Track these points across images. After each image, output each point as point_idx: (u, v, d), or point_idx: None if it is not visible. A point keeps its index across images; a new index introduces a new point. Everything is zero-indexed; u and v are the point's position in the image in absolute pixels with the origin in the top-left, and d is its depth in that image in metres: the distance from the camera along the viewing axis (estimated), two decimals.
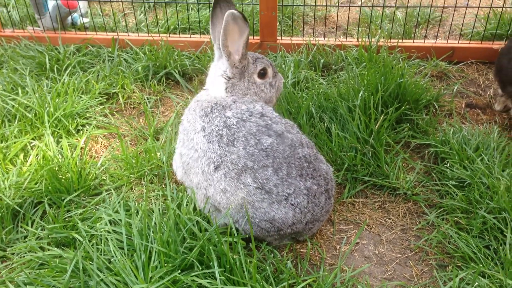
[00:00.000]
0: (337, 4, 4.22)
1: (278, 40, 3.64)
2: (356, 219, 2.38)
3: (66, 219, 2.20)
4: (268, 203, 1.98)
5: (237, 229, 2.06)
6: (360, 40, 3.53)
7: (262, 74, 2.34)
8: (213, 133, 2.05)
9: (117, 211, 2.09)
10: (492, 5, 3.61)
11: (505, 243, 2.10)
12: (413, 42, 3.59)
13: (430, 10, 3.93)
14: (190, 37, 3.74)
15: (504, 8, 3.63)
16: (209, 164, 2.02)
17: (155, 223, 1.96)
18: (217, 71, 2.29)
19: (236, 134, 2.02)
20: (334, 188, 2.22)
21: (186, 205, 2.12)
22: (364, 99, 2.79)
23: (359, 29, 3.93)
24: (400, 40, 3.59)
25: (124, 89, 3.24)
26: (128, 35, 3.76)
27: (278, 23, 3.71)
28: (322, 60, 3.40)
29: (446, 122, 2.97)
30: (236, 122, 2.05)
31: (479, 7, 3.63)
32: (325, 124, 2.77)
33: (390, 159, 2.64)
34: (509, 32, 3.55)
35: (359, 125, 2.68)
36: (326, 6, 4.04)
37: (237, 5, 2.86)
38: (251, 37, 3.64)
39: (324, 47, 3.54)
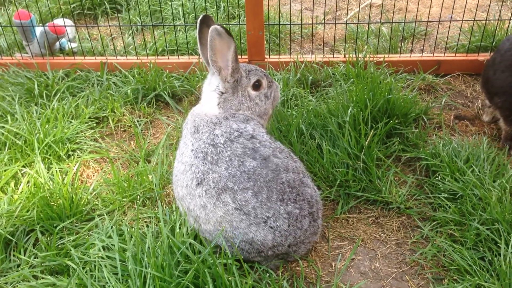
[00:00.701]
0: (323, 22, 4.26)
1: (266, 58, 3.67)
2: (350, 235, 2.38)
3: (59, 246, 2.18)
4: (246, 224, 1.99)
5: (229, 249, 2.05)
6: (347, 56, 3.57)
7: (257, 86, 2.34)
8: (200, 149, 2.09)
9: (110, 236, 2.08)
10: (476, 18, 3.67)
11: (499, 254, 2.11)
12: (400, 56, 3.64)
13: (415, 25, 3.99)
14: (179, 58, 3.76)
15: (487, 21, 3.69)
16: (193, 179, 2.06)
17: (148, 248, 1.95)
18: (210, 86, 2.31)
19: (221, 154, 2.04)
20: (321, 210, 2.23)
21: (179, 227, 2.11)
22: (354, 114, 2.81)
23: (346, 45, 3.97)
24: (386, 55, 3.63)
25: (114, 112, 3.24)
26: (117, 59, 3.77)
27: (265, 42, 3.74)
28: (310, 77, 3.43)
29: (436, 135, 2.99)
30: (224, 142, 2.07)
31: (462, 20, 3.69)
32: (316, 141, 2.78)
33: (382, 174, 2.65)
34: (493, 43, 3.60)
35: (350, 141, 2.69)
36: (313, 24, 4.08)
37: (224, 25, 2.89)
38: (239, 56, 3.67)
39: (312, 64, 3.57)
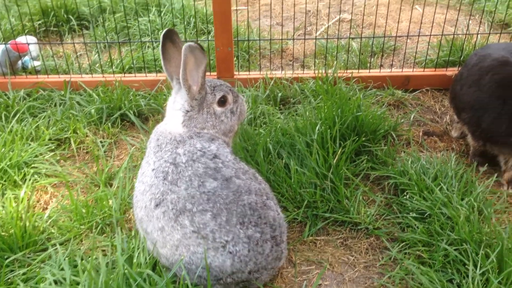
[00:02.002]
0: (293, 37, 4.23)
1: (235, 75, 3.62)
2: (318, 259, 2.31)
3: (9, 280, 2.05)
4: (204, 248, 1.90)
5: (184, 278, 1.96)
6: (316, 72, 3.52)
7: (222, 101, 2.26)
8: (160, 168, 2.01)
9: (62, 269, 1.97)
10: (444, 33, 3.67)
11: (467, 276, 2.06)
12: (369, 72, 3.62)
13: (384, 40, 3.98)
14: (146, 76, 3.67)
15: (455, 35, 3.70)
16: (151, 200, 1.98)
17: (102, 281, 1.84)
18: (175, 105, 2.23)
19: (181, 173, 1.97)
20: (285, 234, 2.14)
21: (138, 255, 2.02)
22: (322, 132, 2.76)
23: (316, 60, 3.94)
24: (356, 71, 3.60)
25: (77, 133, 3.13)
26: (82, 77, 3.67)
27: (235, 58, 3.69)
28: (279, 94, 3.38)
29: (405, 152, 2.96)
30: (185, 161, 2.00)
31: (430, 35, 3.69)
32: (284, 160, 2.72)
33: (350, 193, 2.59)
34: (461, 58, 3.60)
35: (318, 159, 2.63)
36: (282, 39, 4.04)
37: (193, 41, 2.84)
38: (208, 73, 3.61)
39: (282, 80, 3.52)
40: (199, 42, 3.91)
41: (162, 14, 4.47)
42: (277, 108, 3.30)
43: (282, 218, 2.15)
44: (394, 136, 3.07)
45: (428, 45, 3.79)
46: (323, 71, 3.49)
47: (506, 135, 2.56)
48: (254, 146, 2.78)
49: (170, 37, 2.22)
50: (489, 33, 3.70)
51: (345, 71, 3.58)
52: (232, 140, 2.40)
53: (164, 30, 2.22)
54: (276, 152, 2.78)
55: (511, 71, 2.57)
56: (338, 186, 2.55)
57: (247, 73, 3.66)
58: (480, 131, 2.70)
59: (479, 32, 3.69)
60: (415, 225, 2.37)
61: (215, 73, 3.63)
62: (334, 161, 2.62)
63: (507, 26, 4.33)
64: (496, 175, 2.78)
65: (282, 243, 2.10)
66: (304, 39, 3.84)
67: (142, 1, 4.71)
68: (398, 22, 3.97)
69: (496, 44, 3.06)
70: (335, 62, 3.68)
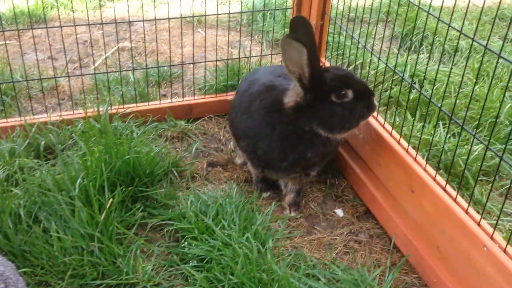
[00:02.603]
0: (67, 74, 3.79)
1: None
2: None
3: None
4: None
5: None
6: (87, 111, 3.15)
7: None
8: None
9: None
10: (222, 58, 3.62)
11: None
12: (149, 104, 3.37)
13: (171, 69, 3.78)
14: None
15: (229, 60, 3.67)
16: None
17: None
18: None
19: None
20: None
21: None
22: (85, 185, 2.41)
23: (90, 97, 3.57)
24: (134, 105, 3.32)
25: None
26: None
27: None
28: (43, 143, 2.92)
29: (189, 188, 2.77)
30: None
31: (216, 60, 3.60)
32: (42, 225, 2.31)
33: (124, 250, 2.29)
34: (239, 82, 3.56)
35: (82, 218, 2.28)
36: (55, 77, 3.56)
37: None
38: None
39: (47, 125, 3.07)
40: None
41: None
42: (41, 160, 2.83)
43: (13, 267, 1.77)
44: (176, 173, 2.86)
45: (205, 70, 3.70)
46: (94, 109, 3.13)
47: (279, 160, 2.52)
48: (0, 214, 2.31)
49: None
50: (261, 56, 3.74)
51: (122, 107, 3.28)
52: None
53: None
54: (34, 214, 2.36)
55: (276, 96, 2.53)
56: (108, 245, 2.23)
57: (5, 120, 3.12)
58: (257, 158, 2.63)
59: (251, 56, 3.70)
60: (193, 276, 2.16)
61: None
62: (102, 217, 2.30)
63: None
64: (277, 199, 2.74)
65: None
66: (81, 75, 3.42)
67: None
68: (182, 47, 3.80)
69: (264, 68, 3.06)
70: (108, 98, 3.34)
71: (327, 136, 2.40)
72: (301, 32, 2.40)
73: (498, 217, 1.97)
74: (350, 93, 2.32)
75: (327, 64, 3.35)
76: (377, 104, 2.42)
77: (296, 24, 2.44)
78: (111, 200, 2.39)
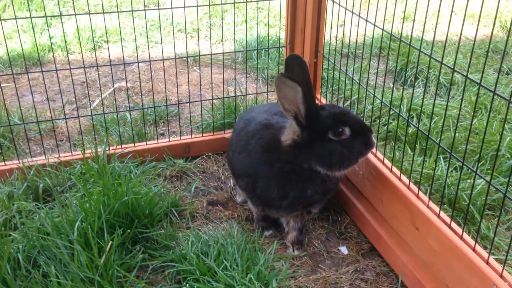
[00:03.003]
0: (65, 115, 3.79)
1: None
2: None
3: None
4: None
5: None
6: (86, 152, 3.14)
7: None
8: None
9: None
10: (218, 96, 3.64)
11: None
12: (146, 144, 3.36)
13: (167, 108, 3.79)
14: None
15: (227, 97, 3.69)
16: None
17: None
18: None
19: None
20: None
21: None
22: (84, 228, 2.37)
23: (88, 138, 3.56)
24: (132, 145, 3.32)
25: None
26: None
27: None
28: (41, 185, 2.89)
29: (189, 228, 2.73)
30: None
31: (212, 99, 3.61)
32: (41, 270, 2.25)
33: None
34: (236, 120, 3.58)
35: (82, 262, 2.23)
36: (53, 120, 3.57)
37: None
38: None
39: (45, 168, 3.04)
40: None
41: None
42: (40, 203, 2.80)
43: None
44: (176, 213, 2.83)
45: (201, 109, 3.71)
46: (92, 150, 3.12)
47: (279, 199, 2.50)
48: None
49: None
50: (257, 93, 3.77)
51: (120, 147, 3.27)
52: None
53: None
54: (33, 259, 2.31)
55: (273, 134, 2.53)
56: None
57: (3, 163, 3.10)
58: (257, 197, 2.60)
59: (247, 93, 3.73)
60: None
61: None
62: (102, 260, 2.25)
63: None
64: (280, 238, 2.71)
65: None
66: (78, 116, 3.43)
67: None
68: (177, 86, 3.83)
69: (260, 106, 3.07)
70: (105, 139, 3.33)
71: (326, 173, 2.39)
72: (296, 70, 2.42)
73: (507, 253, 1.94)
74: (347, 130, 2.32)
75: (323, 101, 3.38)
76: (375, 141, 2.41)
77: (291, 62, 2.46)
78: (110, 242, 2.35)
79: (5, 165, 3.10)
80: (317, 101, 2.68)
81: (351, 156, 2.35)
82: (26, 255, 2.32)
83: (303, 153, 2.38)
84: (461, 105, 2.19)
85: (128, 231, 2.47)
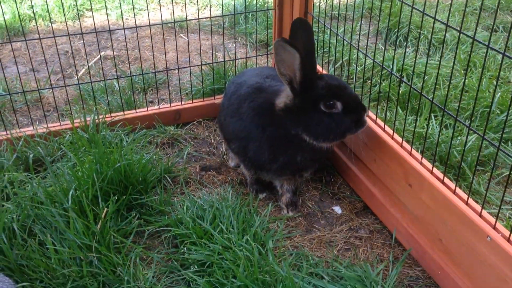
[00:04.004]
0: (51, 85, 3.72)
1: None
2: None
3: None
4: None
5: None
6: (74, 122, 3.09)
7: None
8: None
9: None
10: (207, 61, 3.58)
11: None
12: (136, 112, 3.32)
13: (156, 76, 3.73)
14: None
15: (214, 63, 3.64)
16: None
17: None
18: None
19: None
20: None
21: None
22: (78, 196, 2.36)
23: (76, 107, 3.51)
24: (121, 113, 3.28)
25: None
26: None
27: None
28: (31, 155, 2.86)
29: (184, 193, 2.73)
30: None
31: (201, 64, 3.56)
32: (37, 238, 2.25)
33: (123, 259, 2.24)
34: (226, 84, 3.54)
35: (78, 229, 2.23)
36: (39, 90, 3.48)
37: None
38: None
39: (34, 138, 3.00)
40: None
41: None
42: (31, 173, 2.77)
43: None
44: (169, 179, 2.82)
45: (191, 75, 3.66)
46: (81, 120, 3.07)
47: (270, 162, 2.50)
48: None
49: None
50: (246, 57, 3.71)
51: (110, 115, 3.23)
52: None
53: None
54: (28, 228, 2.30)
55: (266, 98, 2.52)
56: (106, 255, 2.18)
57: None
58: (248, 160, 2.60)
59: (236, 58, 3.68)
60: (195, 281, 2.13)
61: None
62: (98, 227, 2.25)
63: (268, 46, 4.48)
64: (274, 200, 2.72)
65: None
66: (65, 85, 3.36)
67: None
68: (165, 53, 3.75)
69: (251, 70, 3.04)
70: (94, 108, 3.28)
71: (313, 143, 2.39)
72: (300, 35, 2.37)
73: (500, 206, 1.96)
74: (339, 105, 2.30)
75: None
76: (367, 120, 2.37)
77: (296, 26, 2.39)
78: (106, 209, 2.35)
79: None
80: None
81: (337, 131, 2.33)
82: (20, 224, 2.31)
83: (293, 119, 2.36)
84: (454, 62, 2.19)
85: (123, 197, 2.46)
